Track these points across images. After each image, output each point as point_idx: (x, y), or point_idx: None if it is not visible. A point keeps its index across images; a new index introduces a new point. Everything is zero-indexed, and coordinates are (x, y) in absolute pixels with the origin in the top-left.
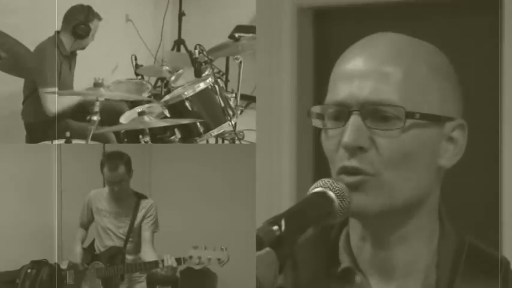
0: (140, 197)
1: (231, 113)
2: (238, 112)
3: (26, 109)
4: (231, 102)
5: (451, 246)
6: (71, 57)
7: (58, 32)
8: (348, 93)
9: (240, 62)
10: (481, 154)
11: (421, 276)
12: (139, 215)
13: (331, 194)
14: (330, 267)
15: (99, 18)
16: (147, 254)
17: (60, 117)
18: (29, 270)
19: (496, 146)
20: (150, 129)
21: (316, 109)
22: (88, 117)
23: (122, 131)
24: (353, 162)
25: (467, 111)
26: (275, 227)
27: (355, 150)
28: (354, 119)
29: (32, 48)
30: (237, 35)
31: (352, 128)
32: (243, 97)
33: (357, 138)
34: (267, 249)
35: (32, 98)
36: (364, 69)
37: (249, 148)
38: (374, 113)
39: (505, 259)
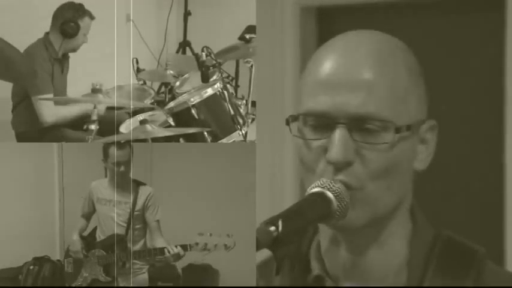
0: (139, 183)
1: (241, 121)
2: (249, 120)
3: (16, 118)
4: (241, 110)
5: (424, 241)
6: (62, 60)
7: (47, 33)
8: (332, 105)
9: (251, 66)
10: (485, 153)
11: (392, 277)
12: (140, 202)
13: (329, 194)
14: (302, 274)
15: (92, 17)
16: (156, 241)
17: (55, 126)
18: (31, 267)
19: (500, 144)
20: (153, 139)
21: (293, 117)
22: (85, 126)
23: (122, 141)
24: (340, 177)
25: (471, 115)
26: (272, 228)
27: (342, 165)
28: (341, 133)
29: (21, 50)
30: (247, 36)
31: (340, 143)
32: (255, 104)
33: (345, 154)
34: (264, 259)
35: (23, 105)
36: (350, 79)
37: (249, 147)
38: (361, 125)
39: (482, 251)
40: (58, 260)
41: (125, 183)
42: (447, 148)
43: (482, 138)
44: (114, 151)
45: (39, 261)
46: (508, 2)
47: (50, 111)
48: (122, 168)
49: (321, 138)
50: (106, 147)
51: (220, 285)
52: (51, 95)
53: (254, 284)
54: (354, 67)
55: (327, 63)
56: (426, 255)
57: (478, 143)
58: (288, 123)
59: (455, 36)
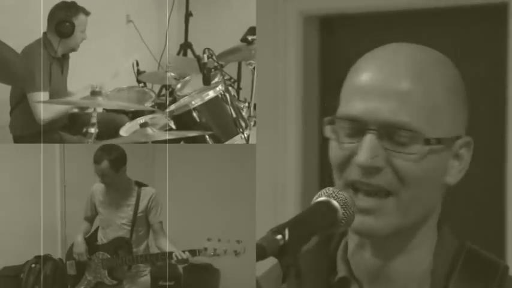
0: (141, 185)
1: (243, 124)
2: (252, 123)
3: (14, 121)
4: (244, 113)
5: (448, 252)
6: (62, 60)
7: (45, 33)
8: (364, 110)
9: (254, 68)
10: (489, 163)
11: (416, 284)
12: (142, 203)
13: (335, 203)
14: (328, 277)
15: (86, 13)
16: (161, 242)
17: (53, 129)
18: (33, 265)
19: (502, 155)
20: (154, 142)
21: (328, 119)
22: (84, 130)
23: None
24: (367, 179)
25: (474, 122)
26: (279, 236)
27: (370, 170)
28: (370, 138)
29: (19, 51)
30: (250, 37)
31: (368, 148)
32: None
33: (373, 158)
34: (270, 267)
35: (20, 107)
36: (384, 87)
37: (249, 148)
38: (391, 134)
39: (504, 265)
40: (60, 259)
41: (121, 186)
42: None
43: (484, 145)
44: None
45: (41, 259)
46: (511, 12)
47: (45, 107)
48: (101, 181)
49: (353, 142)
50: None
51: (221, 284)
52: (47, 93)
53: (254, 284)
54: (389, 76)
55: (364, 71)
56: (449, 266)
57: (480, 150)
58: (324, 124)
59: (458, 45)
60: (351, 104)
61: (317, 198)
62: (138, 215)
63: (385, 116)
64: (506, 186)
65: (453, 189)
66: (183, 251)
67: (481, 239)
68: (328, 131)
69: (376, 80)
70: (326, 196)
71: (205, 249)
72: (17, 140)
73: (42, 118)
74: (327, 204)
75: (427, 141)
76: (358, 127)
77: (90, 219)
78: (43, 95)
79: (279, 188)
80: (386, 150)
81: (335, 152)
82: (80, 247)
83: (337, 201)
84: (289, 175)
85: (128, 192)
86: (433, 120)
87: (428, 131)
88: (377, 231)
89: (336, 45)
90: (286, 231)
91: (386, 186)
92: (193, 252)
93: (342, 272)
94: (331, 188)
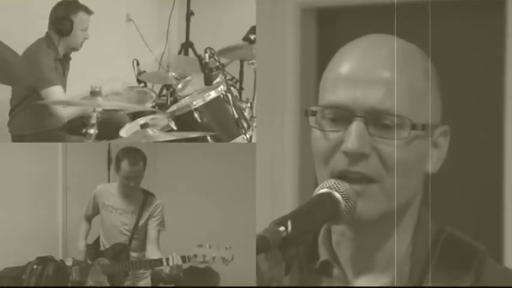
0: (147, 194)
1: (245, 125)
2: (254, 124)
3: (14, 120)
4: (246, 113)
5: (427, 236)
6: (64, 61)
7: (47, 33)
8: (351, 98)
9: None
10: (487, 159)
11: (397, 266)
12: (146, 213)
13: (337, 194)
14: (310, 262)
15: (88, 12)
16: (152, 253)
17: (53, 130)
18: (34, 266)
19: (500, 146)
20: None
21: (313, 109)
22: (84, 130)
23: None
24: (356, 169)
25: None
26: (281, 228)
27: (357, 157)
28: (358, 125)
29: (19, 52)
30: (252, 36)
31: (356, 135)
32: None
33: (361, 145)
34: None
35: (21, 107)
36: (370, 75)
37: (249, 148)
38: (377, 120)
39: (482, 248)
40: (61, 260)
41: (134, 193)
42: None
43: (482, 138)
44: (125, 165)
45: (43, 260)
46: (508, 4)
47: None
48: (132, 184)
49: (339, 130)
50: (119, 160)
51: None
52: (60, 87)
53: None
54: (375, 65)
55: (348, 61)
56: (428, 249)
57: (478, 142)
58: (307, 114)
59: (455, 40)
60: (338, 92)
61: (319, 190)
62: (140, 222)
63: (372, 103)
64: (504, 182)
65: (451, 184)
66: (173, 256)
67: (479, 235)
68: (312, 121)
69: (362, 69)
70: (328, 188)
71: (195, 256)
72: (16, 139)
73: (64, 115)
74: (329, 196)
75: (414, 126)
76: (344, 115)
77: (90, 218)
78: (57, 89)
79: (278, 188)
80: (373, 137)
81: (320, 142)
82: (79, 254)
83: (339, 193)
84: (288, 175)
85: (136, 199)
86: (416, 107)
87: (413, 117)
88: (364, 215)
89: (333, 37)
90: (289, 223)
91: (372, 173)
92: (183, 259)
93: (324, 256)
94: (332, 180)
